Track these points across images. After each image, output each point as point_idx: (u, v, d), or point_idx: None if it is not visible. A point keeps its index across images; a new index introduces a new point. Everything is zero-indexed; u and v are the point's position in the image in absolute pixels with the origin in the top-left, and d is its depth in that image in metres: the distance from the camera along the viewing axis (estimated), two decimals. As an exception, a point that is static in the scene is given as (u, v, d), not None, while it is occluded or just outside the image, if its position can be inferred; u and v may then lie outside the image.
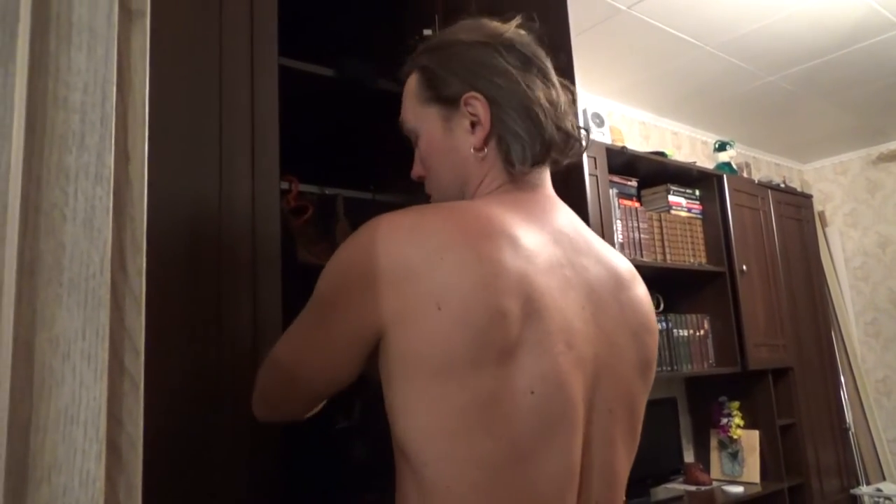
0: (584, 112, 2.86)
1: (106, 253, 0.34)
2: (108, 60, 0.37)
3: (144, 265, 0.37)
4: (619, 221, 2.66)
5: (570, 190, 1.29)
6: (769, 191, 3.51)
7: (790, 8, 2.72)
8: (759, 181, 3.54)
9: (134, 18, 0.41)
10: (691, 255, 3.01)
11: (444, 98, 0.86)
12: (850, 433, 3.98)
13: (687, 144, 4.06)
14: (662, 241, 2.89)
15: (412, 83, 0.90)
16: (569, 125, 0.86)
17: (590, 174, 2.51)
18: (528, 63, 0.87)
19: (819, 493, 3.31)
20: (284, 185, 1.55)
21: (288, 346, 0.82)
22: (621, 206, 2.70)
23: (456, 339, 0.66)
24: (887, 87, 3.53)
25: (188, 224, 1.07)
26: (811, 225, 3.88)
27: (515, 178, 0.85)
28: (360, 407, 0.98)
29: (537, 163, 0.85)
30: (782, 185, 3.75)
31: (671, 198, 3.02)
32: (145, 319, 0.38)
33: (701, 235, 3.10)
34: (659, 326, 2.83)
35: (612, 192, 2.65)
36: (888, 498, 3.52)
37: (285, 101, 1.24)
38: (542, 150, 0.84)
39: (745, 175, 3.63)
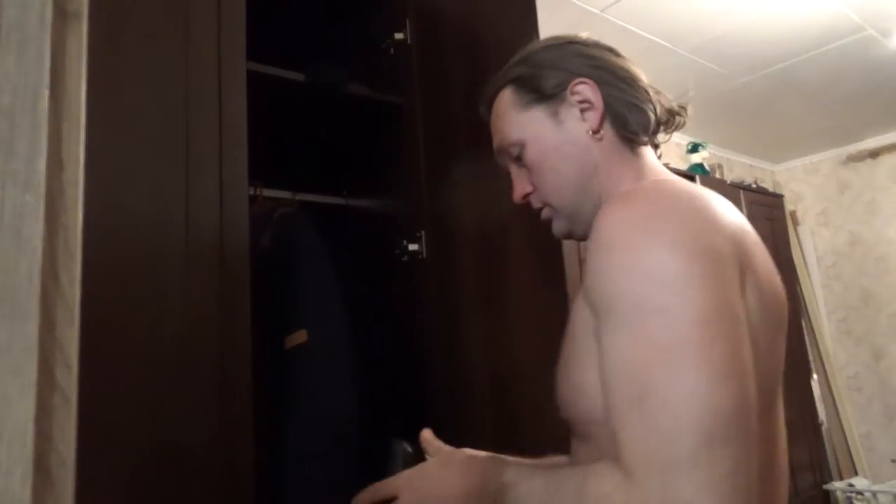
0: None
1: (35, 262, 0.33)
2: (39, 63, 0.36)
3: (79, 274, 0.36)
4: (593, 223, 2.67)
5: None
6: (742, 191, 3.56)
7: (761, 11, 2.75)
8: (731, 182, 3.58)
9: (70, 20, 0.39)
10: (666, 256, 3.03)
11: (549, 94, 0.86)
12: (823, 429, 4.04)
13: (661, 147, 4.10)
14: (637, 242, 2.91)
15: (505, 99, 0.91)
16: (664, 100, 0.89)
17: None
18: (611, 52, 0.90)
19: (792, 489, 3.34)
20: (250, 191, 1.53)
21: (707, 400, 0.59)
22: (596, 208, 2.71)
23: None
24: (856, 88, 3.60)
25: (154, 233, 1.05)
26: (783, 224, 3.93)
27: (642, 157, 0.87)
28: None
29: (655, 130, 0.88)
30: (754, 186, 3.80)
31: (645, 199, 3.03)
32: (105, 332, 0.36)
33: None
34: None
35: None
36: (860, 493, 3.57)
37: (255, 105, 1.22)
38: (657, 117, 0.87)
39: (717, 176, 3.66)
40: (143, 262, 1.02)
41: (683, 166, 3.61)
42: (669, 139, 0.95)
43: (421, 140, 1.56)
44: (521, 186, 0.91)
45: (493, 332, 1.36)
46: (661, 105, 0.88)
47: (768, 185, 4.53)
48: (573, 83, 0.85)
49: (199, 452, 1.00)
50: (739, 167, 4.67)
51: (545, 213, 0.91)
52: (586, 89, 0.85)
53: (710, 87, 3.45)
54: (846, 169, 4.62)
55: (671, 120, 0.90)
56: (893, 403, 4.27)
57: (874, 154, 4.44)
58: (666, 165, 3.20)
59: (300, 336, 1.58)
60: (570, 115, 0.86)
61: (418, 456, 0.90)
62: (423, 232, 1.50)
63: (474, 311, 1.41)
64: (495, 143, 0.93)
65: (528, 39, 1.48)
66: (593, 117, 0.85)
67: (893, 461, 3.37)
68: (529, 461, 0.96)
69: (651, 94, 0.88)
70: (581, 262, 2.52)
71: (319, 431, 1.48)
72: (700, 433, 0.57)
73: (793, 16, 2.80)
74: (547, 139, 0.86)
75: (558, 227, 0.91)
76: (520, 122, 0.88)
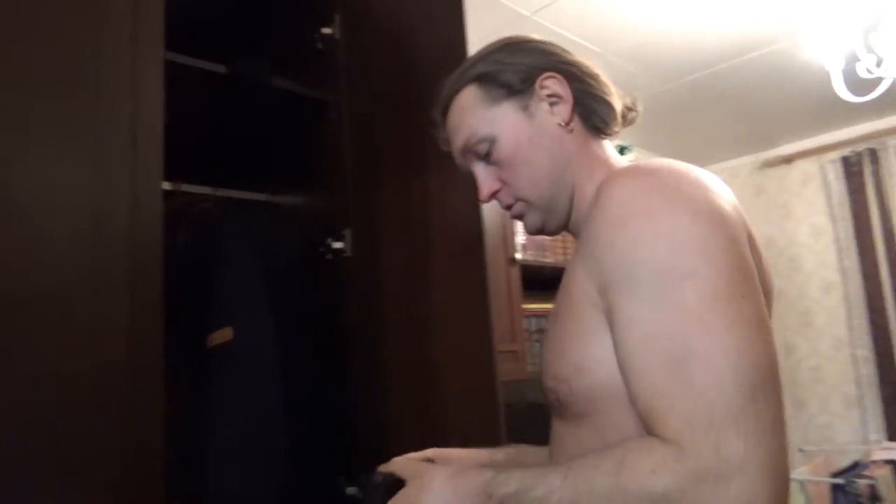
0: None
1: None
2: None
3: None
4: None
5: (461, 189, 1.31)
6: (665, 194, 3.67)
7: (684, 21, 2.85)
8: (655, 184, 3.70)
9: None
10: (592, 255, 3.10)
11: (518, 88, 0.87)
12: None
13: (590, 148, 4.20)
14: (565, 242, 2.96)
15: (470, 96, 0.90)
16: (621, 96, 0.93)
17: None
18: (564, 51, 0.92)
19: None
20: (167, 186, 1.48)
21: (744, 356, 0.61)
22: (524, 207, 2.75)
23: None
24: (771, 97, 3.77)
25: (57, 232, 1.00)
26: (704, 226, 4.07)
27: (607, 148, 0.90)
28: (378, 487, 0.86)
29: (618, 123, 0.91)
30: (677, 189, 3.94)
31: (573, 200, 3.10)
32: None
33: (601, 236, 3.20)
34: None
35: (516, 193, 2.69)
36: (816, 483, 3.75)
37: (174, 98, 1.18)
38: (621, 110, 0.91)
39: (643, 178, 3.78)
40: (44, 263, 0.97)
41: (611, 168, 3.72)
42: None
43: (347, 137, 1.54)
44: (488, 184, 0.90)
45: (418, 330, 1.36)
46: (620, 100, 0.92)
47: (691, 188, 4.70)
48: (542, 77, 0.87)
49: (103, 464, 0.96)
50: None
51: (517, 209, 0.90)
52: (555, 83, 0.87)
53: (635, 92, 3.54)
54: (762, 174, 4.84)
55: (627, 115, 0.94)
56: (801, 396, 4.51)
57: (788, 160, 4.67)
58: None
59: (225, 334, 1.54)
60: (540, 108, 0.87)
61: (398, 483, 0.84)
62: (348, 230, 1.49)
63: (399, 308, 1.41)
64: (459, 142, 0.91)
65: (458, 39, 1.49)
66: (563, 110, 0.87)
67: (801, 450, 3.56)
68: (506, 456, 0.98)
69: (612, 88, 0.91)
70: (510, 262, 2.57)
71: (244, 428, 1.45)
72: (745, 388, 0.59)
73: (714, 27, 2.91)
74: (520, 132, 0.86)
75: (532, 221, 0.90)
76: (489, 118, 0.88)
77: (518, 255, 2.59)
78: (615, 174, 0.75)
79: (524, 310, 2.66)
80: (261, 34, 1.85)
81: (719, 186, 0.73)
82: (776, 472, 0.58)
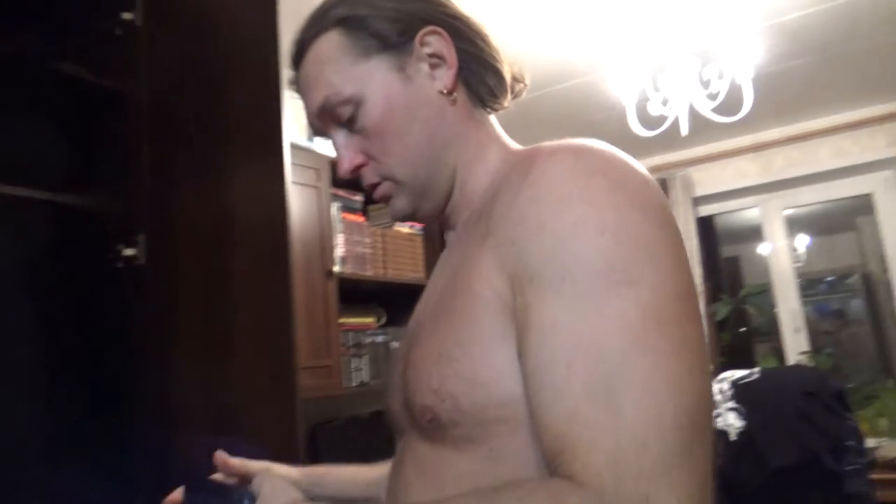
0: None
1: None
2: None
3: None
4: (341, 235, 2.66)
5: (270, 193, 1.24)
6: (483, 212, 3.82)
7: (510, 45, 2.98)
8: (474, 202, 3.83)
9: None
10: (412, 269, 3.13)
11: (393, 42, 0.71)
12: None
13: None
14: (385, 255, 2.96)
15: (332, 45, 0.72)
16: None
17: (311, 186, 2.47)
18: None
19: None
20: None
21: (687, 390, 0.50)
22: (344, 220, 2.70)
23: None
24: (581, 126, 4.08)
25: None
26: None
27: (495, 125, 0.78)
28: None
29: (507, 97, 0.78)
30: (495, 208, 4.12)
31: (395, 214, 3.11)
32: None
33: (421, 251, 3.25)
34: (379, 339, 2.90)
35: (336, 205, 2.64)
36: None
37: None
38: (510, 81, 0.78)
39: (463, 196, 3.90)
40: None
41: (433, 184, 3.79)
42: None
43: (145, 133, 1.40)
44: (350, 156, 0.73)
45: (216, 347, 1.26)
46: (510, 68, 0.79)
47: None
48: (422, 32, 0.71)
49: None
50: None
51: (383, 189, 0.75)
52: (438, 41, 0.72)
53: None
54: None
55: (515, 87, 0.81)
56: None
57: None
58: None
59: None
60: (419, 70, 0.72)
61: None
62: (142, 235, 1.35)
63: (195, 322, 1.29)
64: (315, 101, 0.73)
65: (270, 32, 1.41)
66: (447, 75, 0.72)
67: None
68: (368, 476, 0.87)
69: (501, 53, 0.78)
70: (327, 275, 2.50)
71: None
72: (685, 431, 0.48)
73: (533, 55, 3.08)
74: (393, 97, 0.70)
75: (401, 205, 0.75)
76: (355, 75, 0.71)
77: (336, 268, 2.54)
78: (549, 148, 0.62)
79: (341, 324, 2.61)
80: (52, 13, 1.64)
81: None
82: None
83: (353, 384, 2.70)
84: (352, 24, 0.71)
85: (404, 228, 3.16)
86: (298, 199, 2.35)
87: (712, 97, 2.59)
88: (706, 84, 2.63)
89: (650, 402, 0.48)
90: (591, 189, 0.55)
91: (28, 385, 1.25)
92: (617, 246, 0.53)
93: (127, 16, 1.51)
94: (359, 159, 0.73)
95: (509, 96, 0.79)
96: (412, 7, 0.72)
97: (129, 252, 1.35)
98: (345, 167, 0.74)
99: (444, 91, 0.72)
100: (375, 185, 0.75)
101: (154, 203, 1.36)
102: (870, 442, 2.82)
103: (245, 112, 1.29)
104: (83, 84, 1.45)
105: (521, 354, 0.55)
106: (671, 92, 2.58)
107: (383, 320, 3.10)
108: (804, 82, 3.52)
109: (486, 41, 0.76)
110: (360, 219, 2.84)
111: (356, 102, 0.71)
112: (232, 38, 1.31)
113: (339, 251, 2.63)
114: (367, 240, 2.84)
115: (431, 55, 0.72)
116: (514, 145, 0.78)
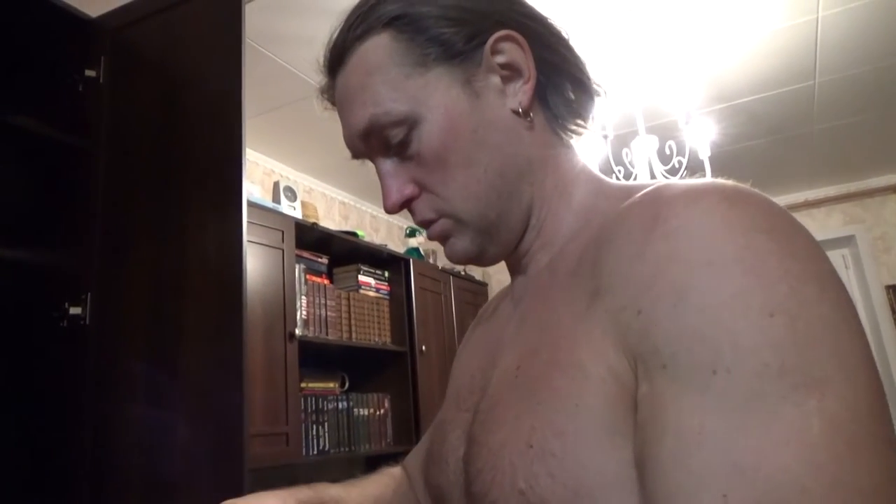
0: (277, 185, 2.82)
1: None
2: None
3: None
4: (304, 297, 2.62)
5: (225, 255, 1.21)
6: (451, 277, 3.82)
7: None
8: (442, 267, 3.83)
9: None
10: (377, 334, 3.09)
11: (459, 49, 0.56)
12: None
13: (384, 228, 4.26)
14: (350, 319, 2.92)
15: (381, 50, 0.57)
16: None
17: (275, 247, 2.45)
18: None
19: None
20: None
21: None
22: (309, 281, 2.67)
23: None
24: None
25: None
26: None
27: (576, 153, 0.62)
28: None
29: (591, 117, 0.63)
30: (462, 273, 4.11)
31: (361, 277, 3.09)
32: None
33: (387, 315, 3.21)
34: (341, 406, 2.82)
35: (300, 266, 2.62)
36: None
37: None
38: (593, 102, 0.63)
39: (431, 261, 3.90)
40: None
41: (402, 249, 3.79)
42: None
43: (101, 188, 1.38)
44: (399, 187, 0.59)
45: (157, 407, 1.20)
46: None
47: (477, 274, 4.95)
48: (495, 37, 0.56)
49: None
50: (453, 255, 5.05)
51: (440, 228, 0.60)
52: (513, 48, 0.57)
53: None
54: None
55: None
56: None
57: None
58: (384, 247, 3.27)
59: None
60: (489, 84, 0.57)
61: None
62: (89, 293, 1.31)
63: (140, 387, 1.24)
64: (359, 120, 0.58)
65: (235, 88, 1.40)
66: (522, 91, 0.58)
67: None
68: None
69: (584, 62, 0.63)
70: (288, 338, 2.45)
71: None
72: None
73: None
74: (457, 118, 0.56)
75: (462, 247, 0.61)
76: (410, 90, 0.56)
77: (298, 331, 2.49)
78: (685, 190, 0.45)
79: (301, 388, 2.54)
80: (17, 67, 1.63)
81: None
82: None
83: (313, 453, 2.60)
84: (407, 26, 0.56)
85: (371, 292, 3.14)
86: (261, 260, 2.32)
87: (674, 172, 2.66)
88: (666, 160, 2.70)
89: None
90: (755, 251, 0.40)
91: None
92: (792, 333, 0.38)
93: (90, 72, 1.52)
94: (408, 189, 0.59)
95: (593, 118, 0.64)
96: (481, 5, 0.58)
97: (74, 311, 1.30)
98: (392, 199, 0.59)
99: (520, 110, 0.58)
100: (430, 222, 0.60)
101: (104, 260, 1.33)
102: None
103: (205, 169, 1.28)
104: (41, 139, 1.43)
105: (645, 465, 0.40)
106: (634, 166, 2.64)
107: (346, 386, 3.04)
108: (760, 161, 3.65)
109: (568, 49, 0.61)
110: (324, 281, 2.81)
111: (410, 124, 0.56)
112: (195, 96, 1.31)
113: (302, 314, 2.59)
114: (332, 302, 2.80)
115: (504, 66, 0.57)
116: (606, 179, 0.63)
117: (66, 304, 1.31)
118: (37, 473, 1.32)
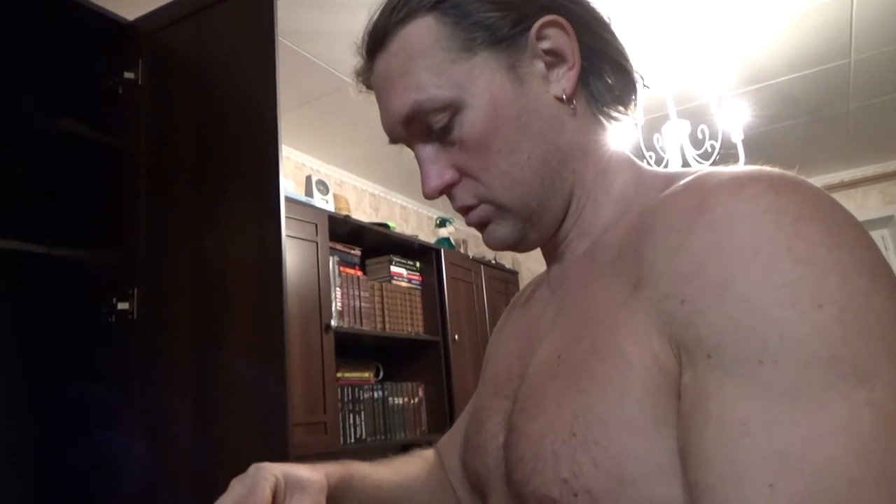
0: (309, 179, 2.86)
1: None
2: None
3: None
4: (338, 289, 2.66)
5: (265, 248, 1.24)
6: (482, 266, 3.83)
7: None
8: (473, 257, 3.84)
9: None
10: (409, 324, 3.12)
11: (505, 34, 0.56)
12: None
13: (414, 218, 4.29)
14: (383, 309, 2.95)
15: (425, 34, 0.56)
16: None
17: (309, 240, 2.49)
18: None
19: None
20: None
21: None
22: (342, 273, 2.71)
23: None
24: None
25: None
26: (517, 299, 4.29)
27: (614, 140, 0.62)
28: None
29: (633, 104, 0.63)
30: (493, 262, 4.12)
31: (393, 268, 3.12)
32: None
33: (419, 305, 3.24)
34: (376, 395, 2.87)
35: (333, 259, 2.65)
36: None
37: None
38: (635, 88, 0.63)
39: (462, 250, 3.92)
40: None
41: (432, 239, 3.81)
42: None
43: (143, 187, 1.42)
44: (439, 172, 0.59)
45: (204, 399, 1.24)
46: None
47: (507, 262, 4.95)
48: (540, 22, 0.56)
49: None
50: (483, 243, 5.05)
51: (480, 214, 0.60)
52: (559, 34, 0.57)
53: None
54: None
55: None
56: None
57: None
58: (415, 237, 3.26)
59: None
60: (533, 71, 0.57)
61: None
62: (135, 289, 1.35)
63: (185, 377, 1.28)
64: (400, 105, 0.58)
65: (268, 89, 1.43)
66: (566, 77, 0.57)
67: None
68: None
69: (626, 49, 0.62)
70: (324, 329, 2.49)
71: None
72: None
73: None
74: (502, 104, 0.56)
75: (503, 233, 0.61)
76: (454, 75, 0.56)
77: (334, 322, 2.53)
78: (730, 178, 0.44)
79: (338, 379, 2.58)
80: (59, 71, 1.68)
81: None
82: None
83: (350, 441, 2.65)
84: (452, 10, 0.56)
85: (403, 283, 3.17)
86: (296, 254, 2.37)
87: (706, 156, 2.63)
88: (698, 144, 2.67)
89: None
90: (804, 241, 0.39)
91: (21, 440, 1.23)
92: (842, 325, 0.37)
93: (129, 75, 1.56)
94: (448, 175, 0.59)
95: (635, 106, 0.64)
96: None
97: (122, 306, 1.35)
98: (432, 184, 0.59)
99: (563, 97, 0.58)
100: (470, 208, 0.60)
101: (149, 257, 1.37)
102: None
103: (242, 167, 1.31)
104: (83, 140, 1.48)
105: (689, 454, 0.40)
106: (666, 151, 2.62)
107: (381, 375, 3.08)
108: (795, 142, 3.58)
109: (611, 34, 0.61)
110: (357, 273, 2.85)
111: (454, 110, 0.56)
112: (231, 94, 1.34)
113: (337, 305, 2.63)
114: (365, 293, 2.84)
115: (549, 51, 0.57)
116: (645, 166, 0.63)
117: (114, 300, 1.36)
118: (86, 463, 1.38)
